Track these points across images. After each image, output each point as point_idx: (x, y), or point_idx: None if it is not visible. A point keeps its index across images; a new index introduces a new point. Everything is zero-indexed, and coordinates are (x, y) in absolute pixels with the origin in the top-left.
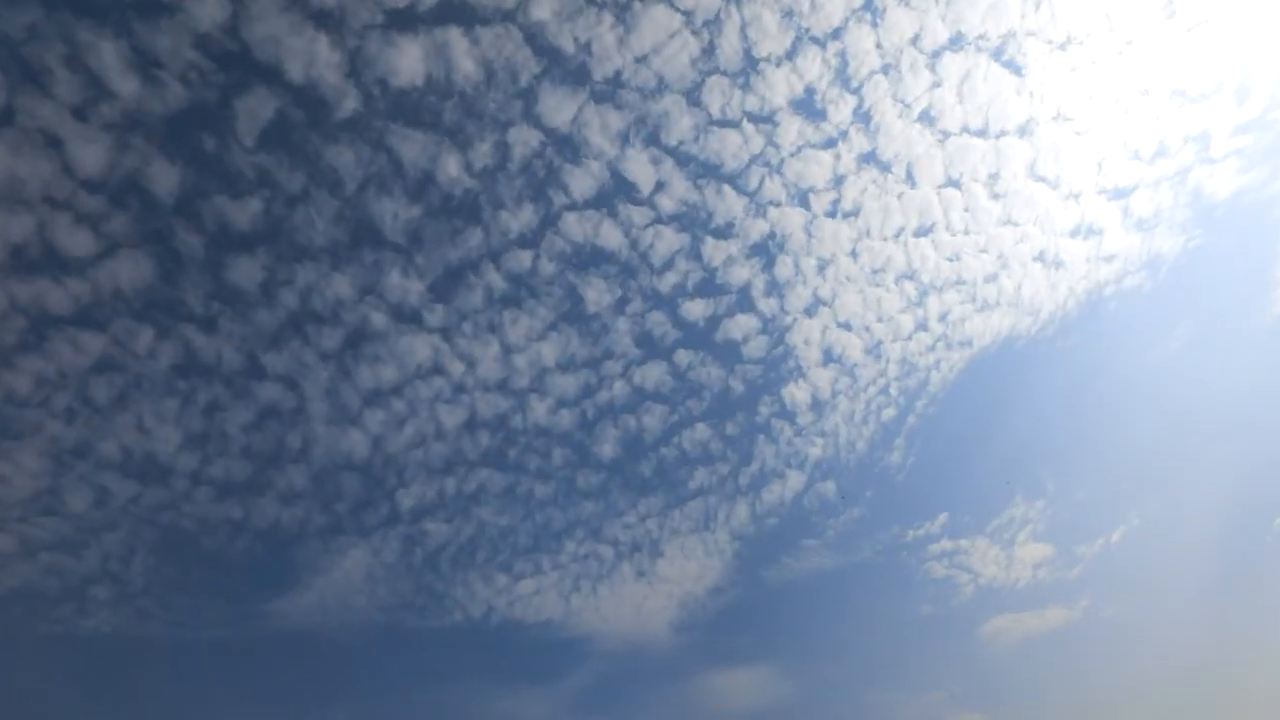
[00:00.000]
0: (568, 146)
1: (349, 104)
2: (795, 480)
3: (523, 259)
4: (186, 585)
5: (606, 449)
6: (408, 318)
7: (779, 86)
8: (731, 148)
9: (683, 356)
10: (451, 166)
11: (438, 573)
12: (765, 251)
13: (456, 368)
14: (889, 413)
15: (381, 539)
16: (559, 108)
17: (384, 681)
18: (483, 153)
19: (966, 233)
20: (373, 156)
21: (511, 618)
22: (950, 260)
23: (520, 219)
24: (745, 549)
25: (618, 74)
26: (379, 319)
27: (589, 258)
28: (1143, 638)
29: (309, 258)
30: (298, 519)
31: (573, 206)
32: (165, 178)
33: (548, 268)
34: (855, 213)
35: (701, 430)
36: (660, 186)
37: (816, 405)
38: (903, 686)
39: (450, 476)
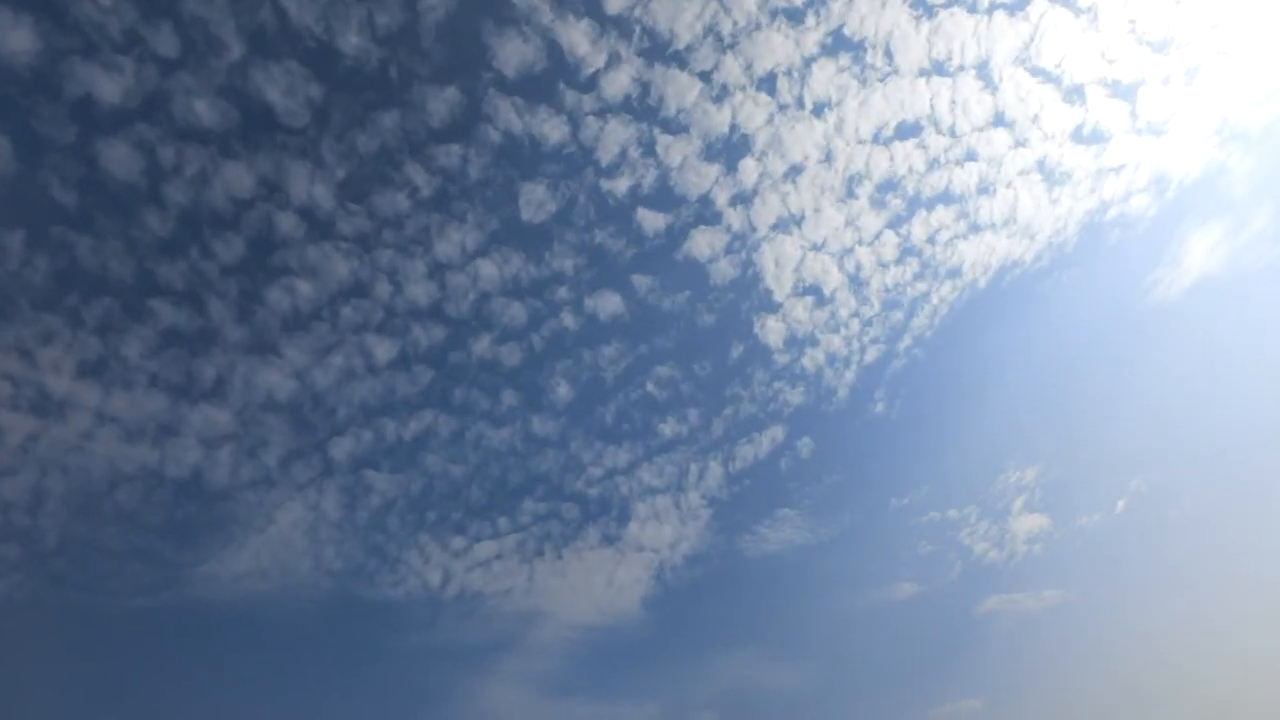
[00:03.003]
0: (492, 3)
1: None
2: (773, 433)
3: (450, 152)
4: (104, 544)
5: (562, 390)
6: (319, 222)
7: None
8: (684, 18)
9: (641, 281)
10: (352, 27)
11: (387, 533)
12: (727, 149)
13: (383, 288)
14: (872, 354)
15: (318, 491)
16: None
17: (331, 656)
18: (389, 6)
19: (954, 134)
20: (252, 9)
21: (470, 586)
22: (938, 167)
23: (443, 99)
24: (719, 515)
25: None
26: (285, 221)
27: (527, 153)
28: (1149, 619)
29: (194, 140)
30: (222, 466)
31: (503, 86)
32: (12, 36)
33: (479, 163)
34: (826, 104)
35: (666, 370)
36: (603, 65)
37: (793, 343)
38: (896, 675)
39: (389, 418)
